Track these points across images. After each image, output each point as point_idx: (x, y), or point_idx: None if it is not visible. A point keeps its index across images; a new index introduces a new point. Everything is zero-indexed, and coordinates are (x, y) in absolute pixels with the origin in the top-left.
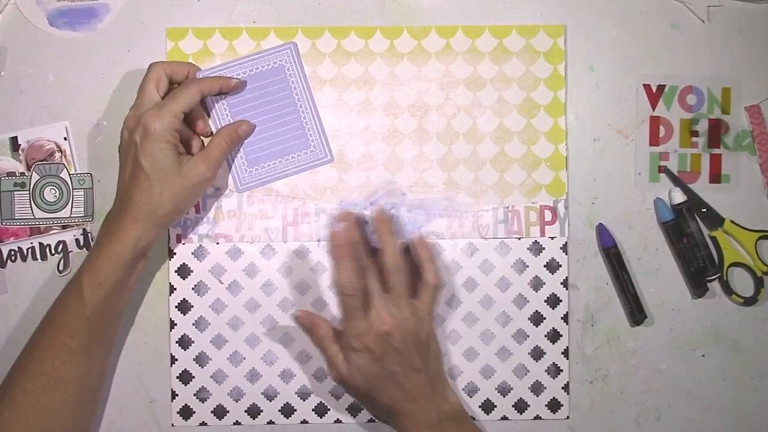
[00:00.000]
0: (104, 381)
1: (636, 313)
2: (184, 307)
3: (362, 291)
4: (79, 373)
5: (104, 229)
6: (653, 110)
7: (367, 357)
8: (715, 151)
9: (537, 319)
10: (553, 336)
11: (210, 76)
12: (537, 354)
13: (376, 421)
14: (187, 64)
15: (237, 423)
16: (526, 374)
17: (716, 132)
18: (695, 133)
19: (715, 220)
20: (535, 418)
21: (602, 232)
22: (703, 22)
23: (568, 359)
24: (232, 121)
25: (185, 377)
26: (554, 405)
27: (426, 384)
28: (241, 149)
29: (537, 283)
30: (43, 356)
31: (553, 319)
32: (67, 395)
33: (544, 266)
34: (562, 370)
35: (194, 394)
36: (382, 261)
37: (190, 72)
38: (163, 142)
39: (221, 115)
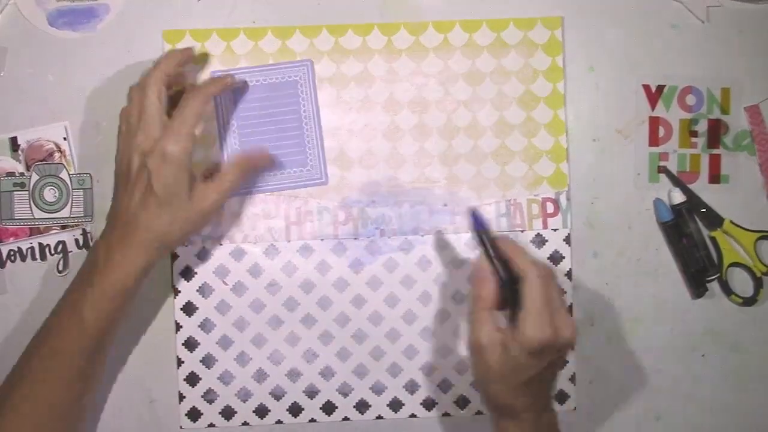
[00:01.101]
0: (94, 403)
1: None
2: (189, 309)
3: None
4: (71, 399)
5: (104, 252)
6: (653, 110)
7: (535, 360)
8: (715, 151)
9: None
10: None
11: (211, 79)
12: None
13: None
14: (178, 55)
15: (245, 423)
16: None
17: (715, 132)
18: (694, 134)
19: (714, 220)
20: None
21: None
22: (703, 22)
23: (573, 350)
24: (235, 125)
25: (192, 379)
26: (561, 397)
27: (547, 393)
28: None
29: None
30: (36, 380)
31: None
32: (59, 420)
33: (548, 258)
34: (567, 362)
35: (202, 396)
36: None
37: (185, 61)
38: (180, 167)
39: (226, 118)
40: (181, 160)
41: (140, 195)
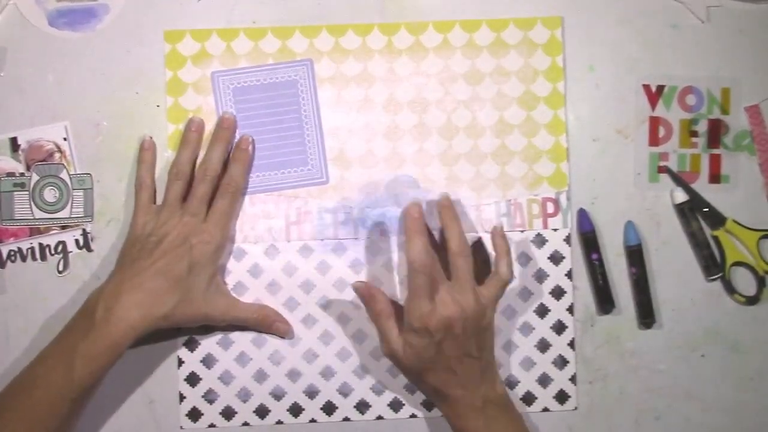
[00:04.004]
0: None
1: (606, 303)
2: None
3: (431, 272)
4: None
5: (103, 307)
6: (653, 110)
7: (425, 339)
8: (715, 151)
9: (542, 311)
10: (559, 328)
11: (235, 163)
12: (543, 346)
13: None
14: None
15: (246, 424)
16: (532, 367)
17: (716, 132)
18: (695, 134)
19: (717, 219)
20: (543, 410)
21: (581, 216)
22: (703, 22)
23: (574, 350)
24: (237, 135)
25: (192, 379)
26: (562, 396)
27: (477, 371)
28: None
29: (541, 276)
30: (17, 428)
31: (558, 311)
32: None
33: (548, 258)
34: (568, 362)
35: (202, 396)
36: (448, 247)
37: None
38: (217, 255)
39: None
40: (220, 250)
41: (165, 264)
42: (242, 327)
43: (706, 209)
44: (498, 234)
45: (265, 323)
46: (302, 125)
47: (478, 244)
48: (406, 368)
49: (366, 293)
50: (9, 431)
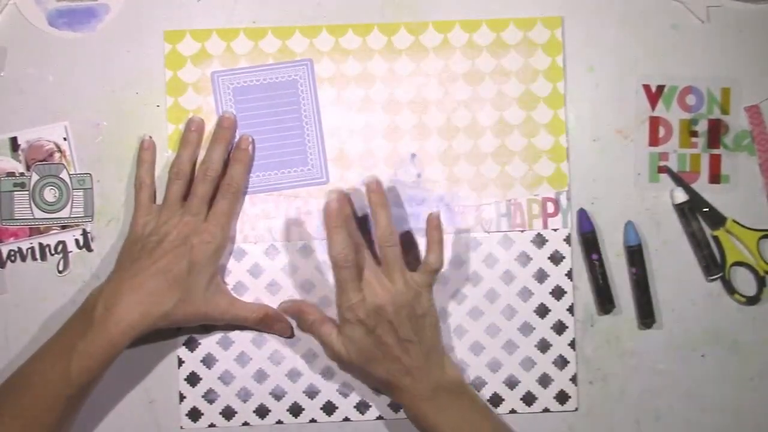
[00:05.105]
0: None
1: (606, 302)
2: None
3: (355, 263)
4: None
5: (102, 307)
6: (653, 110)
7: (361, 329)
8: (715, 151)
9: (542, 311)
10: (559, 328)
11: (234, 165)
12: (543, 346)
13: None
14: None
15: (246, 424)
16: (533, 367)
17: (716, 132)
18: (695, 134)
19: (717, 219)
20: (543, 410)
21: (581, 217)
22: (703, 22)
23: (574, 350)
24: (237, 135)
25: (192, 379)
26: (562, 397)
27: (420, 356)
28: None
29: (541, 276)
30: (14, 424)
31: (558, 311)
32: None
33: (548, 258)
34: (569, 362)
35: (202, 396)
36: (376, 235)
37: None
38: (217, 255)
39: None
40: (220, 250)
41: (165, 263)
42: (242, 327)
43: (706, 209)
44: (432, 225)
45: (265, 323)
46: (302, 125)
47: (408, 235)
48: (352, 366)
49: (295, 310)
50: (5, 427)
